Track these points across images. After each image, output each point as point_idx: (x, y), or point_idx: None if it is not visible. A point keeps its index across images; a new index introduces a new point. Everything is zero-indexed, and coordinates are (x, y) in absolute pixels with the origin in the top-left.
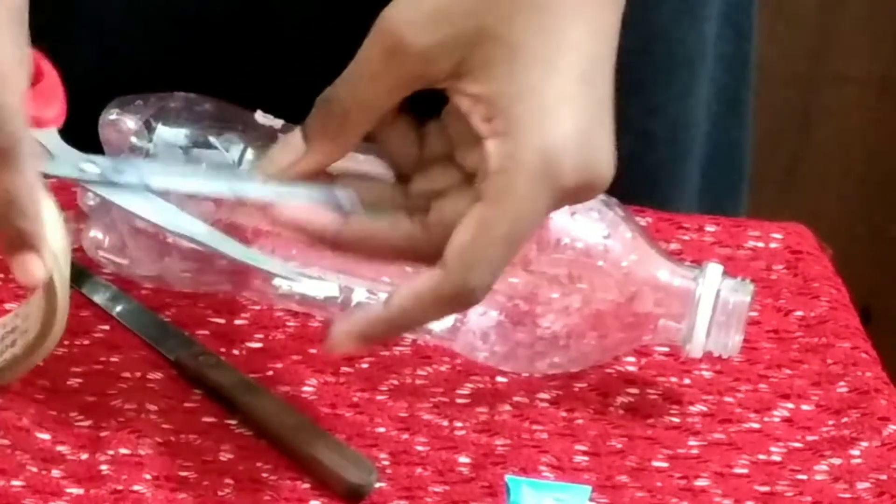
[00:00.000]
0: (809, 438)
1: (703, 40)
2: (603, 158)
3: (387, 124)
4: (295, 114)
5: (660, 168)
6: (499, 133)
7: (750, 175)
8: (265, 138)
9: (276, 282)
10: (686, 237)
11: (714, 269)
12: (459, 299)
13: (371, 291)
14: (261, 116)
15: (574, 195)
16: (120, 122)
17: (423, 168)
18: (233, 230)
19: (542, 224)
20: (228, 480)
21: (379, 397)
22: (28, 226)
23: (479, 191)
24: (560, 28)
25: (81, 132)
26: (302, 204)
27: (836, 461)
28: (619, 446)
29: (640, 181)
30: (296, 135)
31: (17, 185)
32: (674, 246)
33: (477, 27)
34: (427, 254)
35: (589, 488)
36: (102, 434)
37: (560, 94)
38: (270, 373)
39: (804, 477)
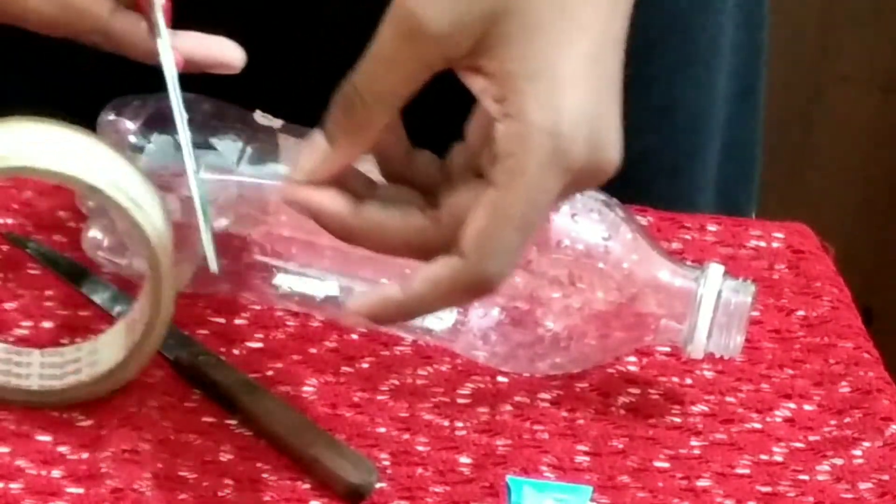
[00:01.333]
0: (811, 438)
1: (719, 31)
2: (611, 140)
3: (408, 164)
4: (294, 114)
5: (679, 160)
6: (510, 114)
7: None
8: (264, 138)
9: (276, 281)
10: (687, 237)
11: (715, 269)
12: (477, 287)
13: None
14: (260, 116)
15: (584, 178)
16: (118, 122)
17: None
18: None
19: (553, 208)
20: (228, 480)
21: (379, 397)
22: None
23: (490, 176)
24: (575, 6)
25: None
26: (317, 187)
27: (839, 461)
28: (621, 446)
29: (659, 174)
30: (317, 135)
31: None
32: (675, 245)
33: (495, 2)
34: (437, 248)
35: (590, 489)
36: (102, 433)
37: (572, 75)
38: (270, 373)
39: (806, 477)
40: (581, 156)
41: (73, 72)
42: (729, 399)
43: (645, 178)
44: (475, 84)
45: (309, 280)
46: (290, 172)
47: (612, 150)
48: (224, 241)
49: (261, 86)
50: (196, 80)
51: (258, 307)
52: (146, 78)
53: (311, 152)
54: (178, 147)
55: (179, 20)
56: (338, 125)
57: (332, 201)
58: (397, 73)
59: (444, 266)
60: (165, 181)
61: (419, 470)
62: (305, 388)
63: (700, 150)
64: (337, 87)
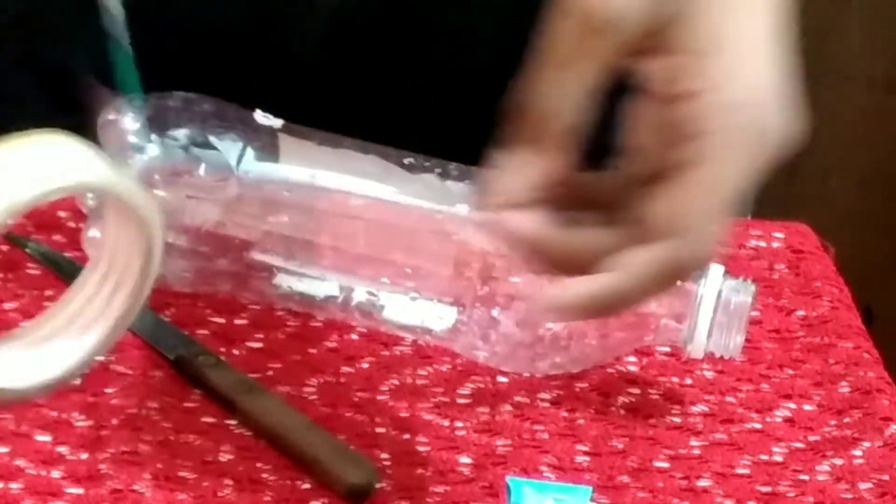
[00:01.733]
0: (811, 438)
1: None
2: (794, 111)
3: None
4: (294, 114)
5: None
6: (699, 91)
7: None
8: (264, 138)
9: (276, 281)
10: None
11: (715, 269)
12: (695, 265)
13: (371, 292)
14: (260, 116)
15: (777, 150)
16: (119, 121)
17: None
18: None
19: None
20: (228, 480)
21: (379, 397)
22: None
23: (685, 158)
24: None
25: (81, 133)
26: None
27: (838, 461)
28: (621, 446)
29: None
30: (501, 162)
31: None
32: None
33: None
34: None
35: (590, 489)
36: (102, 434)
37: (755, 44)
38: (270, 373)
39: (806, 477)
40: (777, 126)
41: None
42: (729, 399)
43: None
44: (652, 68)
45: (309, 280)
46: (480, 202)
47: (796, 121)
48: (224, 241)
49: (261, 86)
50: (196, 80)
51: (258, 307)
52: (146, 78)
53: (500, 178)
54: (177, 146)
55: (179, 12)
56: (516, 144)
57: (533, 224)
58: (569, 73)
59: (663, 248)
60: (165, 181)
61: (419, 470)
62: (305, 388)
63: None
64: (337, 88)
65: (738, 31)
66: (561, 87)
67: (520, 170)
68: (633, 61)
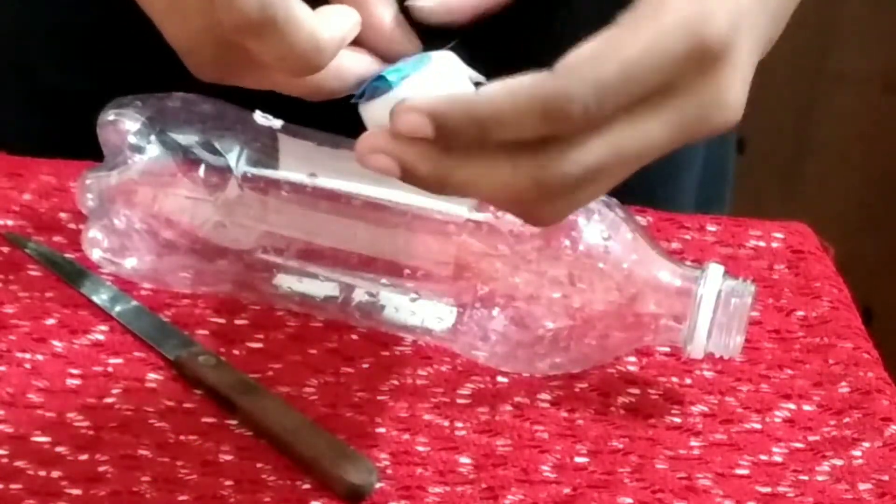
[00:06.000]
0: (811, 439)
1: None
2: (742, 85)
3: None
4: (294, 114)
5: (659, 175)
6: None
7: (735, 175)
8: (264, 138)
9: (276, 281)
10: (687, 236)
11: (715, 269)
12: (555, 107)
13: (371, 292)
14: (259, 116)
15: (706, 70)
16: (118, 122)
17: None
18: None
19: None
20: (228, 481)
21: (379, 398)
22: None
23: (613, 24)
24: None
25: (80, 134)
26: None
27: (838, 462)
28: (621, 446)
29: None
30: None
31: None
32: (675, 245)
33: None
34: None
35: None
36: (102, 434)
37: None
38: (270, 373)
39: (806, 477)
40: (716, 43)
41: (71, 72)
42: (728, 399)
43: (642, 181)
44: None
45: (309, 280)
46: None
47: (738, 95)
48: (224, 241)
49: None
50: (196, 80)
51: (258, 307)
52: (146, 78)
53: None
54: (177, 147)
55: None
56: None
57: (419, 156)
58: None
59: (527, 78)
60: (165, 181)
61: (419, 470)
62: (305, 388)
63: (682, 164)
64: None
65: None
66: None
67: None
68: None
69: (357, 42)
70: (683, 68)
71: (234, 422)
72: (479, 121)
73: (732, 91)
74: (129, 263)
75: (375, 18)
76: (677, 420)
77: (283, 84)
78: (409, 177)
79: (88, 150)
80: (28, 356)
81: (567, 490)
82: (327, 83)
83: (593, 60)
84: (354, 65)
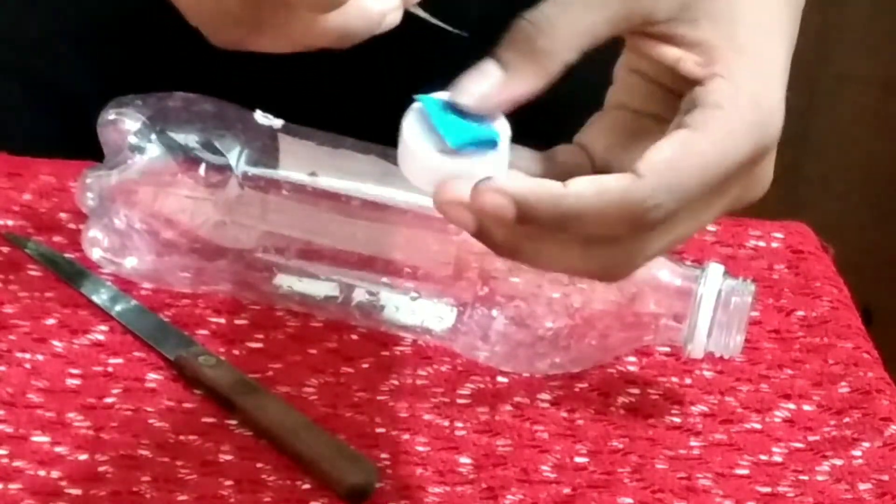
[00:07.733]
0: (811, 439)
1: None
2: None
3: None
4: (295, 114)
5: None
6: (719, 74)
7: None
8: (264, 138)
9: (276, 281)
10: None
11: (715, 269)
12: (639, 213)
13: (371, 292)
14: (260, 116)
15: (759, 163)
16: (119, 121)
17: None
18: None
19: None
20: (228, 481)
21: (379, 398)
22: None
23: (684, 122)
24: (773, 8)
25: (80, 133)
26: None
27: (838, 462)
28: (621, 446)
29: None
30: (488, 64)
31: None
32: None
33: None
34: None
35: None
36: (101, 434)
37: (775, 64)
38: (270, 373)
39: (805, 477)
40: (774, 139)
41: (72, 72)
42: (728, 399)
43: None
44: (668, 53)
45: (309, 280)
46: (452, 92)
47: (771, 172)
48: (224, 241)
49: (261, 86)
50: (196, 80)
51: (258, 307)
52: (147, 77)
53: (480, 77)
54: (177, 146)
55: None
56: (516, 52)
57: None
58: (596, 11)
59: (616, 179)
60: (166, 181)
61: (419, 470)
62: (305, 388)
63: None
64: (337, 88)
65: (763, 47)
66: (582, 18)
67: (506, 79)
68: (645, 42)
69: None
70: (746, 169)
71: (234, 422)
72: (564, 215)
73: (770, 171)
74: (129, 263)
75: None
76: (677, 420)
77: (309, 36)
78: (482, 237)
79: (88, 149)
80: (28, 356)
81: (567, 490)
82: (350, 24)
83: (675, 166)
84: (376, 3)
